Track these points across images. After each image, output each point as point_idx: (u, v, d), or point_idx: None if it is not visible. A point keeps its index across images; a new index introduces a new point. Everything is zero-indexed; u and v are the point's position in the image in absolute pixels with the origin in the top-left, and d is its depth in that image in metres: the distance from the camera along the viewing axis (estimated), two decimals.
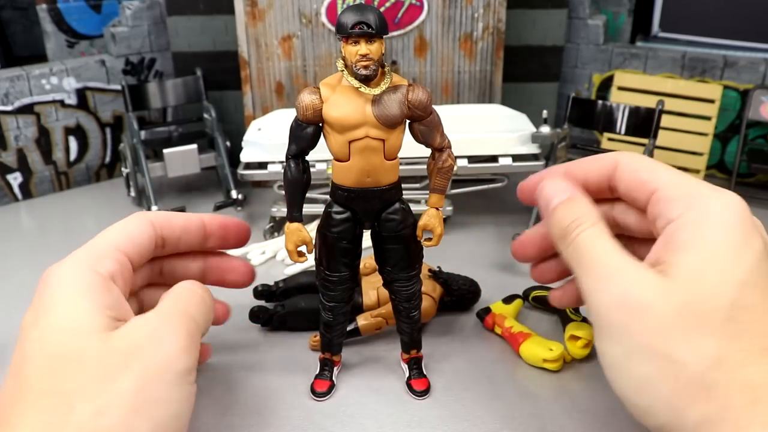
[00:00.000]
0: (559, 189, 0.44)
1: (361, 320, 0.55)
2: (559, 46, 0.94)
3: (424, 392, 0.50)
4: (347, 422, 0.48)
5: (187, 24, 0.88)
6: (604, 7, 0.99)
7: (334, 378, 0.51)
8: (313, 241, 0.47)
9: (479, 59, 0.84)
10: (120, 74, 0.92)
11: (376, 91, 0.42)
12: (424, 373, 0.51)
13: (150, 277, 0.49)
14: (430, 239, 0.47)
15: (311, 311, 0.54)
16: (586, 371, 0.53)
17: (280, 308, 0.57)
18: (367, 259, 0.57)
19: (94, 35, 0.98)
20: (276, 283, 0.61)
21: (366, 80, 0.42)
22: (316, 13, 0.82)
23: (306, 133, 0.44)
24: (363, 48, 0.41)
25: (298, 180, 0.45)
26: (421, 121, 0.44)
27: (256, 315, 0.58)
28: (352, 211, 0.46)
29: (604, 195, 0.46)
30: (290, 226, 0.46)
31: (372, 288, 0.57)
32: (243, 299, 0.58)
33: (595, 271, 0.40)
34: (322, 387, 0.50)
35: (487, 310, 0.59)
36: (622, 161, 0.44)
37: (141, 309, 0.48)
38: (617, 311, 0.38)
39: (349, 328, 0.53)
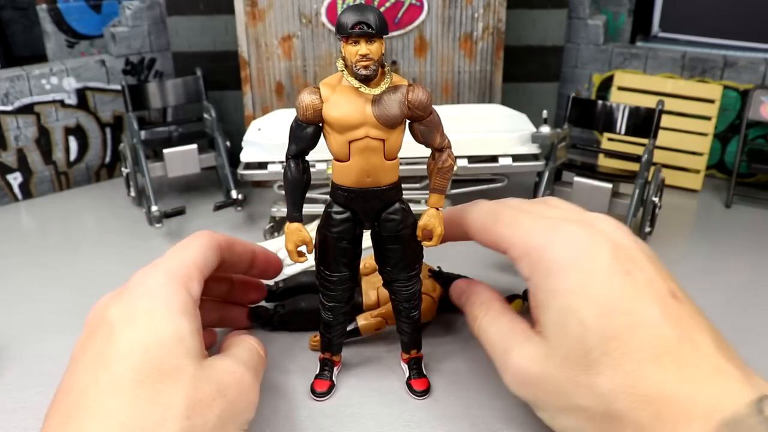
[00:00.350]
0: (461, 289, 0.53)
1: (361, 320, 0.55)
2: (559, 46, 0.94)
3: (424, 392, 0.50)
4: (347, 422, 0.48)
5: (187, 24, 0.88)
6: (604, 7, 0.99)
7: (334, 378, 0.51)
8: (313, 241, 0.47)
9: (479, 59, 0.84)
10: (120, 74, 0.92)
11: (376, 91, 0.42)
12: (425, 373, 0.51)
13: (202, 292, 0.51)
14: (430, 239, 0.47)
15: (311, 311, 0.54)
16: None
17: (281, 308, 0.57)
18: (367, 259, 0.57)
19: (94, 35, 0.98)
20: (276, 283, 0.61)
21: (366, 80, 0.42)
22: (316, 13, 0.82)
23: (306, 133, 0.44)
24: (363, 48, 0.41)
25: (298, 180, 0.45)
26: (421, 121, 0.44)
27: (256, 315, 0.58)
28: (352, 211, 0.46)
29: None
30: (290, 226, 0.46)
31: (372, 288, 0.57)
32: None
33: (493, 358, 0.46)
34: (322, 387, 0.50)
35: None
36: (467, 222, 0.49)
37: None
38: (520, 390, 0.43)
39: (349, 328, 0.53)
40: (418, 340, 0.52)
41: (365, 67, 0.41)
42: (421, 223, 0.47)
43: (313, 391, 0.50)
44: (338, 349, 0.52)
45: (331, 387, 0.51)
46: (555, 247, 0.42)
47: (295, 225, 0.46)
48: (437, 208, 0.47)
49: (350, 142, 0.43)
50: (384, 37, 0.42)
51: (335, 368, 0.52)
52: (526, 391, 0.43)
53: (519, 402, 0.49)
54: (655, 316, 0.38)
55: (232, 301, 0.56)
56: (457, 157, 0.74)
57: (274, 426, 0.47)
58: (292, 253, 0.46)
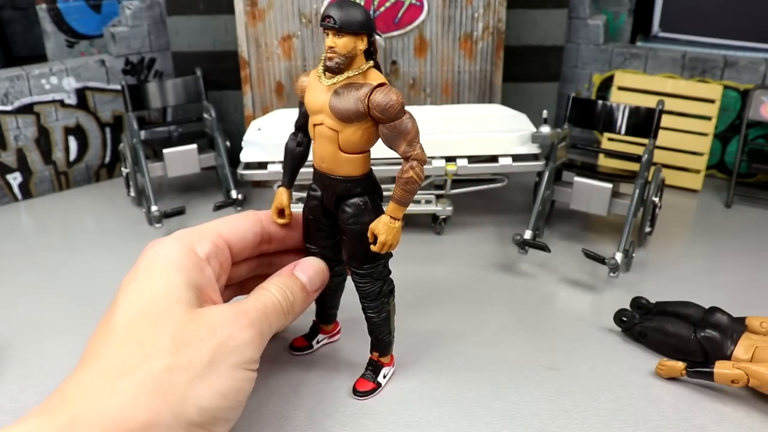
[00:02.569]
0: None
1: (719, 367, 0.50)
2: (559, 46, 0.94)
3: (361, 393, 0.50)
4: (347, 422, 0.48)
5: (187, 24, 0.88)
6: (604, 7, 0.99)
7: (314, 342, 0.56)
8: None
9: (479, 59, 0.84)
10: (120, 74, 0.92)
11: (328, 82, 0.44)
12: (377, 379, 0.51)
13: (257, 268, 0.52)
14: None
15: (674, 336, 0.54)
16: (586, 372, 0.53)
17: (647, 321, 0.56)
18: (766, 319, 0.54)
19: (94, 35, 0.98)
20: (653, 302, 0.59)
21: (330, 71, 0.44)
22: (316, 13, 0.82)
23: (303, 109, 0.48)
24: (330, 40, 0.43)
25: (290, 150, 0.50)
26: (385, 125, 0.43)
27: (621, 316, 0.57)
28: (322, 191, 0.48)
29: None
30: (277, 190, 0.50)
31: (750, 346, 0.52)
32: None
33: None
34: (300, 343, 0.56)
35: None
36: None
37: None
38: None
39: (703, 369, 0.50)
40: (379, 346, 0.51)
41: (329, 59, 0.43)
42: (371, 225, 0.45)
43: (291, 345, 0.56)
44: (323, 319, 0.56)
45: (306, 347, 0.55)
46: None
47: (281, 189, 0.50)
48: (392, 217, 0.44)
49: (315, 126, 0.46)
50: (366, 34, 0.43)
51: (320, 335, 0.56)
52: None
53: (519, 402, 0.49)
54: None
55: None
56: (457, 158, 0.74)
57: (274, 426, 0.47)
58: (272, 213, 0.50)
